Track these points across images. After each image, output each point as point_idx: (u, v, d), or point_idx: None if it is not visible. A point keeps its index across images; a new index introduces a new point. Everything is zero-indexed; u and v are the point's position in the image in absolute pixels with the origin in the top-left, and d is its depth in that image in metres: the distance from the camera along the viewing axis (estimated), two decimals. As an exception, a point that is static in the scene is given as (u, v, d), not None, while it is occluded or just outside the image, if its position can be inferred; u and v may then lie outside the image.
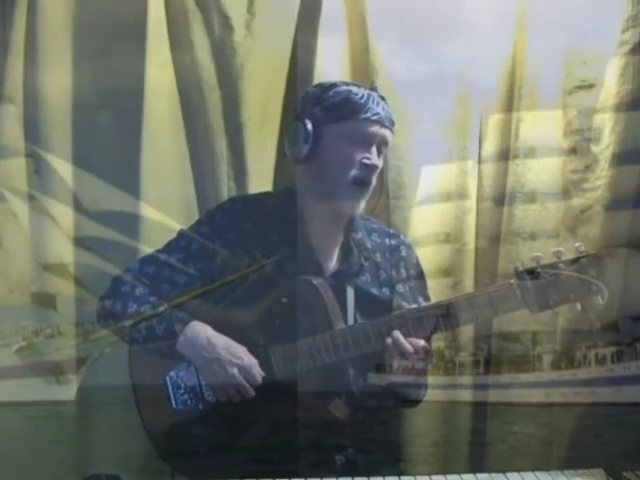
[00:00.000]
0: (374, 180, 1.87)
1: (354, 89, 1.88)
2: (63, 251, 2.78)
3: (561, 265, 1.71)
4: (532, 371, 2.90)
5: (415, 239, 2.89)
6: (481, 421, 2.73)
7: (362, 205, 1.90)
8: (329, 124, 1.87)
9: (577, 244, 1.74)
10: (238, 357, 1.78)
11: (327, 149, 1.87)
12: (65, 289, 2.77)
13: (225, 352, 1.78)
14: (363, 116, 1.85)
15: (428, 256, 2.85)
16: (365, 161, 1.85)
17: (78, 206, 2.75)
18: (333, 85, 1.90)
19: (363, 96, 1.86)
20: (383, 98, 1.90)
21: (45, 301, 2.85)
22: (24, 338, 2.91)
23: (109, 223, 2.74)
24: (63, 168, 2.76)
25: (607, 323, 2.73)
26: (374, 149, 1.86)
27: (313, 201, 1.90)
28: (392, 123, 1.90)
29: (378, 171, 1.88)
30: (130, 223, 2.72)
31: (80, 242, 2.77)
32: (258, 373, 1.78)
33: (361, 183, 1.86)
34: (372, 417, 1.88)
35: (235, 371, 1.77)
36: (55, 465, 2.57)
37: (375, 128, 1.85)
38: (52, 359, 2.85)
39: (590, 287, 1.69)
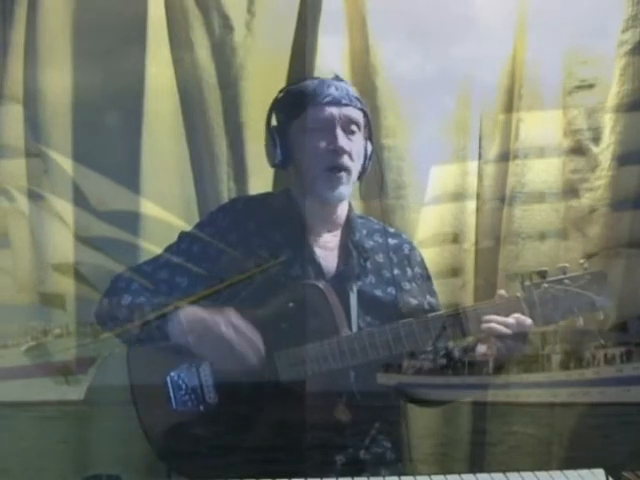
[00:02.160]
0: (348, 163, 1.84)
1: (304, 83, 1.88)
2: (72, 251, 2.78)
3: (566, 281, 1.73)
4: (541, 371, 2.90)
5: (424, 239, 2.89)
6: (489, 421, 2.74)
7: (344, 192, 1.86)
8: (290, 123, 1.86)
9: (581, 261, 1.76)
10: (239, 329, 1.73)
11: (296, 147, 1.86)
12: (74, 289, 2.77)
13: (225, 327, 1.73)
14: (316, 101, 1.82)
15: (437, 256, 2.86)
16: (331, 147, 1.82)
17: (86, 206, 2.76)
18: (288, 85, 1.92)
19: (312, 84, 1.85)
20: (339, 79, 1.88)
21: (54, 301, 2.85)
22: (33, 338, 2.92)
23: (117, 223, 2.74)
24: (71, 168, 2.76)
25: (616, 323, 2.74)
26: (338, 131, 1.82)
27: (305, 201, 1.89)
28: (354, 99, 1.85)
29: (352, 152, 1.83)
30: (139, 223, 2.72)
31: (88, 242, 2.78)
32: (260, 343, 1.74)
33: (334, 169, 1.83)
34: (379, 418, 1.88)
35: (231, 332, 1.72)
36: (64, 465, 2.58)
37: (331, 110, 1.82)
38: (61, 359, 2.85)
39: (594, 303, 1.72)
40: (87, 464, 2.56)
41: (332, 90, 1.83)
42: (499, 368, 1.83)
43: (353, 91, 1.87)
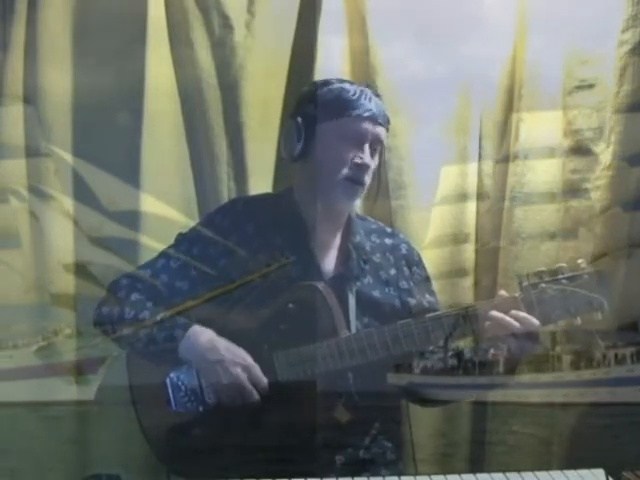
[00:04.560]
0: (367, 179, 1.86)
1: (347, 86, 1.86)
2: (82, 251, 2.78)
3: (564, 281, 1.72)
4: (551, 371, 2.90)
5: (432, 239, 2.90)
6: (494, 421, 2.74)
7: (356, 204, 1.89)
8: (321, 122, 1.85)
9: (579, 260, 1.76)
10: (241, 357, 1.77)
11: (320, 147, 1.86)
12: (84, 289, 2.76)
13: (227, 353, 1.77)
14: (355, 113, 1.82)
15: (446, 257, 2.86)
16: (357, 160, 1.83)
17: (97, 206, 2.76)
18: (326, 83, 1.88)
19: (355, 93, 1.84)
20: (377, 95, 1.88)
21: (64, 301, 2.85)
22: (43, 338, 2.92)
23: (128, 223, 2.74)
24: (82, 168, 2.77)
25: (626, 323, 2.74)
26: (367, 147, 1.84)
27: (309, 201, 1.89)
28: (386, 120, 1.87)
29: (371, 170, 1.87)
30: (149, 223, 2.72)
31: (99, 242, 2.78)
32: (261, 373, 1.78)
33: (353, 182, 1.84)
34: (381, 417, 1.89)
35: (238, 370, 1.76)
36: (74, 465, 2.58)
37: (367, 125, 1.83)
38: (71, 359, 2.85)
39: (591, 303, 1.71)
40: (96, 464, 2.56)
41: (372, 105, 1.84)
42: (509, 368, 1.83)
43: (384, 109, 1.88)
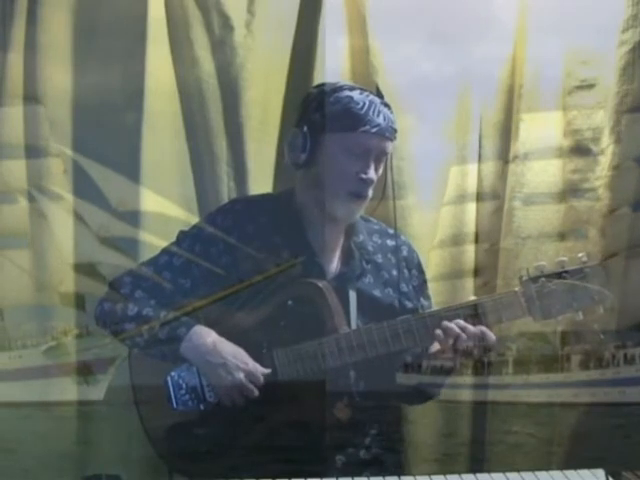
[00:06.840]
0: (370, 192, 1.86)
1: (356, 96, 1.82)
2: (92, 251, 2.78)
3: (565, 275, 1.72)
4: (560, 371, 2.91)
5: (442, 239, 2.90)
6: (508, 421, 2.74)
7: (358, 214, 1.89)
8: (328, 134, 1.84)
9: (580, 254, 1.76)
10: (244, 362, 1.78)
11: (324, 159, 1.84)
12: (94, 289, 2.76)
13: (231, 357, 1.78)
14: (362, 129, 1.80)
15: (455, 256, 2.86)
16: (362, 175, 1.82)
17: (106, 206, 2.76)
18: (335, 90, 1.85)
19: (364, 105, 1.81)
20: (386, 105, 1.86)
21: (74, 301, 2.85)
22: (53, 338, 2.92)
23: (137, 223, 2.74)
24: (92, 168, 2.76)
25: (635, 323, 2.75)
26: (372, 162, 1.83)
27: (311, 207, 1.89)
28: (393, 132, 1.85)
29: (375, 182, 1.86)
30: (159, 223, 2.72)
31: (108, 242, 2.78)
32: (262, 375, 1.78)
33: (357, 196, 1.84)
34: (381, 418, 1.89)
35: (241, 375, 1.77)
36: (82, 465, 2.58)
37: (374, 141, 1.82)
38: (81, 359, 2.85)
39: (593, 297, 1.71)
40: (101, 464, 2.56)
41: (380, 119, 1.81)
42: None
43: (393, 119, 1.85)
